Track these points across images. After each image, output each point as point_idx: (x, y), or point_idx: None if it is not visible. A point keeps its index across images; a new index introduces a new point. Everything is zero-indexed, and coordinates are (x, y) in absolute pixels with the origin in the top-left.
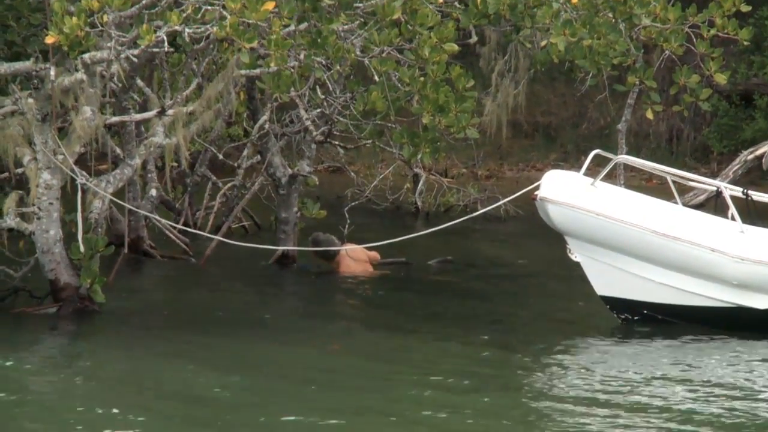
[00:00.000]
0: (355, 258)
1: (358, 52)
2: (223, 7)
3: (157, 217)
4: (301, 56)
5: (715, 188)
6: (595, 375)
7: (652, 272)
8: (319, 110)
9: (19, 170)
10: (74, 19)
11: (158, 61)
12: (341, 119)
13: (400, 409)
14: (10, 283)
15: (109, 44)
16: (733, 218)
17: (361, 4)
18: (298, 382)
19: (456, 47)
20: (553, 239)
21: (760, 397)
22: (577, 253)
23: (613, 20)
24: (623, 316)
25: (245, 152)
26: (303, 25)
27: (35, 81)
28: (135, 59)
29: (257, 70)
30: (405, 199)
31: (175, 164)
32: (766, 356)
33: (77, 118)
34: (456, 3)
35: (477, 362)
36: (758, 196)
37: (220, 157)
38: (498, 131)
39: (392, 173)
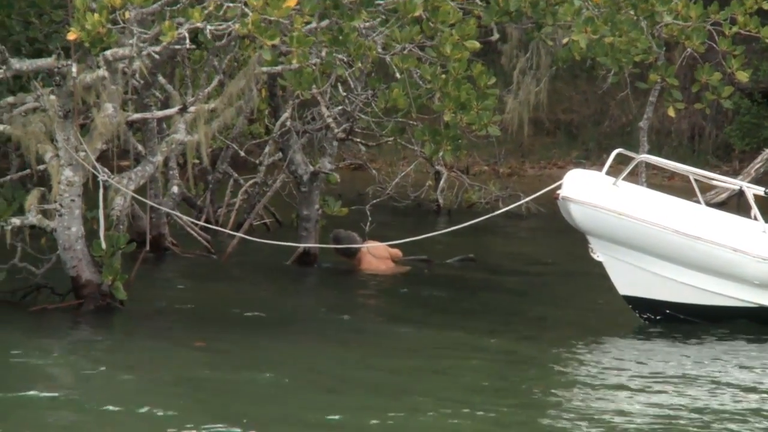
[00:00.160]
0: (377, 255)
1: (379, 50)
2: (245, 4)
3: (179, 214)
4: (323, 53)
5: (737, 187)
6: (618, 374)
7: (675, 272)
8: (340, 107)
9: (41, 167)
10: (96, 15)
11: (180, 58)
12: (363, 116)
13: (431, 405)
14: (32, 280)
15: (131, 41)
16: (756, 218)
17: (382, 1)
18: (324, 377)
19: (477, 44)
20: (575, 237)
21: None
22: (599, 252)
23: (635, 17)
24: (645, 316)
25: (267, 149)
26: (324, 22)
27: (57, 78)
28: (157, 56)
29: (279, 67)
30: (426, 197)
31: (197, 161)
32: None
33: (99, 115)
34: (477, 0)
35: (498, 360)
36: None
37: (242, 154)
38: (519, 129)
39: (414, 171)
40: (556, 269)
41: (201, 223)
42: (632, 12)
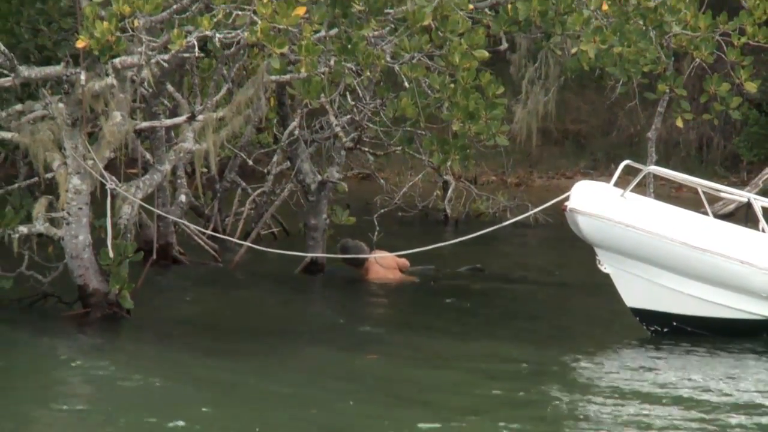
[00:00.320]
0: (384, 265)
1: (388, 59)
2: (254, 12)
3: (187, 223)
4: (332, 62)
5: (745, 199)
6: (625, 387)
7: (682, 284)
8: (349, 116)
9: (49, 175)
10: (105, 23)
11: (188, 66)
12: (371, 126)
13: (446, 415)
14: (39, 288)
15: (139, 49)
16: (763, 230)
17: (391, 11)
18: (339, 385)
19: (486, 54)
20: (582, 248)
21: None
22: (606, 264)
23: (644, 28)
24: (653, 328)
25: (275, 158)
26: (333, 31)
27: (66, 85)
28: (165, 64)
29: (287, 76)
30: (434, 207)
31: (205, 170)
32: None
33: (107, 123)
34: (486, 9)
35: (508, 371)
36: None
37: (250, 163)
38: (528, 138)
39: (422, 180)
40: (563, 280)
41: (208, 231)
42: (641, 22)
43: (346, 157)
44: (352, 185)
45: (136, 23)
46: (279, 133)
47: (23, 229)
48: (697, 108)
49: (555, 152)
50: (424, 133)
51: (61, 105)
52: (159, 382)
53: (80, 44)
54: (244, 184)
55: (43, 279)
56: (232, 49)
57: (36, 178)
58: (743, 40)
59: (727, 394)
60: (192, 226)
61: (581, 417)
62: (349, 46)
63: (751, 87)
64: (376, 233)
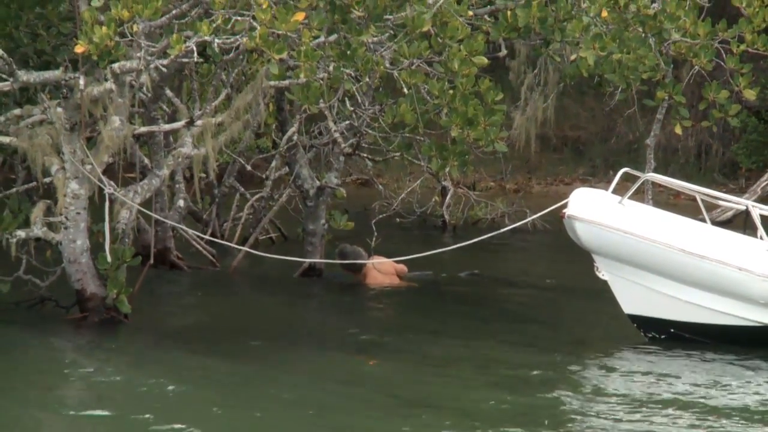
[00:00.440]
0: (383, 271)
1: (387, 65)
2: (253, 17)
3: (185, 228)
4: (331, 68)
5: (743, 207)
6: (621, 394)
7: (680, 291)
8: (347, 122)
9: (47, 179)
10: (104, 28)
11: (187, 71)
12: (370, 131)
13: (450, 420)
14: (37, 292)
15: (138, 54)
16: (761, 237)
17: (390, 17)
18: (341, 389)
19: (485, 60)
20: (580, 254)
21: None
22: (604, 271)
23: (643, 35)
24: (650, 335)
25: (273, 164)
26: (332, 37)
27: (64, 90)
28: (164, 69)
29: (286, 81)
30: (432, 212)
31: (203, 175)
32: None
33: (106, 127)
34: (486, 16)
35: (507, 377)
36: None
37: (249, 168)
38: (526, 145)
39: (420, 186)
40: (561, 286)
41: (207, 237)
42: (640, 29)
43: (345, 163)
44: (351, 191)
45: (135, 28)
46: (278, 139)
47: (21, 234)
48: (696, 115)
49: (554, 159)
50: (422, 139)
51: (59, 109)
52: (157, 386)
53: (79, 49)
54: (242, 189)
55: (40, 283)
56: (231, 55)
57: (34, 183)
58: (742, 47)
59: (724, 401)
60: (190, 230)
61: (581, 422)
62: (348, 52)
63: (750, 94)
64: (374, 239)
